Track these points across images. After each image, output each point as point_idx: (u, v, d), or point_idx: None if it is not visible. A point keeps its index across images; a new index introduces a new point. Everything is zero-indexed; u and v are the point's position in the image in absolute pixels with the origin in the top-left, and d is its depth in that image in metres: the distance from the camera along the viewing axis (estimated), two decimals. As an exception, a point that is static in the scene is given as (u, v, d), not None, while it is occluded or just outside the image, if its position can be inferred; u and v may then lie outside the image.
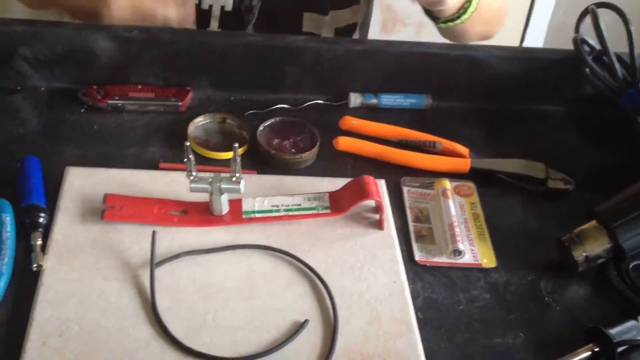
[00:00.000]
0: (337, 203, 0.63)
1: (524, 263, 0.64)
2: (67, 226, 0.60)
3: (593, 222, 0.62)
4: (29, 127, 0.71)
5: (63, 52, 0.73)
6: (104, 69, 0.74)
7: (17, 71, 0.74)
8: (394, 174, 0.71)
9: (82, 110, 0.73)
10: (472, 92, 0.81)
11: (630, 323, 0.56)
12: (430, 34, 0.89)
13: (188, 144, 0.58)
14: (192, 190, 0.60)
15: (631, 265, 0.63)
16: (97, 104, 0.73)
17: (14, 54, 0.73)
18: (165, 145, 0.71)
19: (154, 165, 0.68)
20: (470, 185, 0.71)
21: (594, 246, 0.61)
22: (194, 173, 0.60)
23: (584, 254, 0.61)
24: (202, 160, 0.68)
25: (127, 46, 0.73)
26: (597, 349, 0.55)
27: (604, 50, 0.76)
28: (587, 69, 0.77)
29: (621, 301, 0.61)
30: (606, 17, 0.77)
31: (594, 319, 0.58)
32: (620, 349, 0.55)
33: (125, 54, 0.74)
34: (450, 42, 0.87)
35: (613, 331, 0.55)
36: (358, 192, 0.63)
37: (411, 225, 0.66)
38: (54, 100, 0.74)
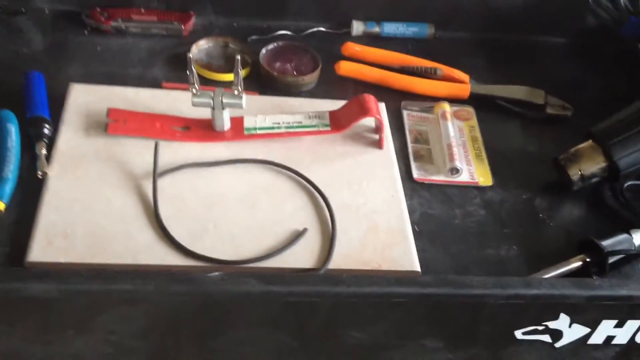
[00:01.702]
0: (338, 121, 0.64)
1: (520, 183, 0.65)
2: (71, 138, 0.61)
3: (589, 142, 0.63)
4: (33, 46, 0.71)
5: (67, -27, 0.74)
6: (109, -9, 0.75)
7: (21, -7, 0.74)
8: (395, 99, 0.72)
9: (86, 32, 0.74)
10: (475, 22, 0.82)
11: (622, 236, 0.58)
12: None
13: (190, 55, 0.59)
14: (194, 104, 0.61)
15: (625, 185, 0.64)
16: (101, 25, 0.74)
17: (18, -26, 0.73)
18: (168, 68, 0.72)
19: (156, 85, 0.69)
20: (469, 110, 0.72)
21: (589, 164, 0.62)
22: (197, 86, 0.60)
23: (580, 172, 0.62)
24: (204, 82, 0.69)
25: (131, -32, 0.74)
26: (588, 259, 0.57)
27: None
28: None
29: (615, 218, 0.63)
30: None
31: (587, 234, 0.59)
32: (611, 260, 0.57)
33: (129, -24, 0.74)
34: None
35: (605, 243, 0.57)
36: (358, 109, 0.63)
37: (410, 146, 0.67)
38: (58, 21, 0.74)
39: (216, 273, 0.46)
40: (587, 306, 0.49)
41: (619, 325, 0.52)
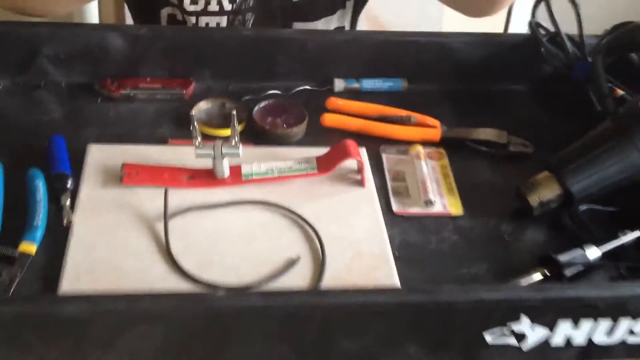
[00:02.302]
0: (324, 164, 0.73)
1: (488, 211, 0.73)
2: (91, 190, 0.70)
3: (545, 172, 0.72)
4: (53, 115, 0.81)
5: (80, 50, 0.84)
6: (117, 64, 0.85)
7: (40, 69, 0.84)
8: (375, 144, 0.81)
9: (99, 100, 0.83)
10: (444, 75, 0.91)
11: (577, 251, 0.66)
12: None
13: (193, 112, 0.68)
14: (198, 156, 0.70)
15: (580, 209, 0.72)
16: (112, 94, 0.83)
17: (38, 53, 0.83)
18: (173, 127, 0.81)
19: (164, 142, 0.78)
20: (441, 150, 0.81)
21: (546, 192, 0.71)
22: (199, 139, 0.70)
23: (538, 199, 0.71)
24: (205, 138, 0.77)
25: (136, 43, 0.84)
26: (548, 273, 0.64)
27: (557, 31, 0.87)
28: (542, 49, 0.87)
29: (571, 239, 0.70)
30: (559, 2, 0.87)
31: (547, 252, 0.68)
32: (569, 274, 0.65)
33: (134, 49, 0.84)
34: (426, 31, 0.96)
35: (560, 256, 0.65)
36: (341, 153, 0.73)
37: (389, 184, 0.76)
38: (73, 92, 0.84)
39: (222, 292, 0.54)
40: (542, 307, 0.57)
41: (575, 325, 0.59)
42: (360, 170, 0.74)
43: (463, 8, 0.92)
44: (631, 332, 0.61)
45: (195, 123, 0.69)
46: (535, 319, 0.58)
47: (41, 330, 0.53)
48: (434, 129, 0.82)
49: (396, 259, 0.67)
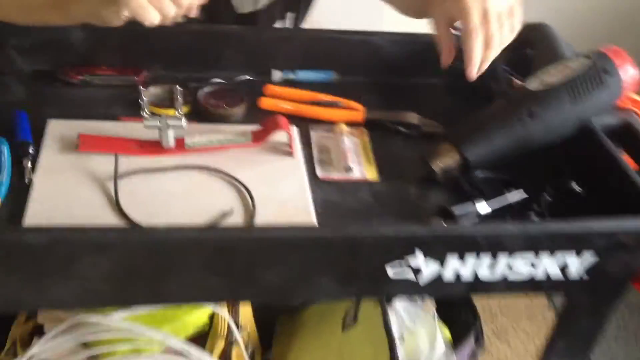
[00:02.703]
0: (257, 136, 0.84)
1: (400, 178, 0.85)
2: (50, 155, 0.79)
3: (446, 142, 0.83)
4: (18, 96, 0.91)
5: (44, 41, 0.94)
6: (76, 53, 0.95)
7: (6, 57, 0.94)
8: (306, 125, 0.92)
9: (59, 85, 0.93)
10: (369, 68, 1.03)
11: (469, 206, 0.77)
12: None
13: (142, 88, 0.79)
14: (146, 126, 0.81)
15: (477, 175, 0.84)
16: (71, 80, 0.93)
17: (6, 44, 0.93)
18: (124, 108, 0.91)
19: (115, 119, 0.88)
20: (362, 129, 0.92)
21: (447, 159, 0.82)
22: (147, 112, 0.80)
23: (440, 166, 0.82)
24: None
25: (94, 35, 0.94)
26: (445, 223, 0.76)
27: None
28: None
29: (468, 198, 0.82)
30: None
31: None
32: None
33: (92, 41, 0.95)
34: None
35: (456, 210, 0.76)
36: (272, 126, 0.84)
37: (315, 155, 0.87)
38: (37, 78, 0.94)
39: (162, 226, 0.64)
40: (432, 242, 0.68)
41: (462, 260, 0.70)
42: (290, 141, 0.85)
43: (404, 10, 1.04)
44: (510, 268, 0.73)
45: (144, 96, 0.79)
46: (427, 253, 0.69)
47: (4, 257, 0.62)
48: (358, 111, 0.94)
49: (318, 214, 0.77)
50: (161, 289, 0.68)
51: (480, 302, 1.77)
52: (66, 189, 0.75)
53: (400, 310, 1.08)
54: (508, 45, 0.96)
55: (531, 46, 0.95)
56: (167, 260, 0.65)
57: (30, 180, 0.75)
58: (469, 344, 1.11)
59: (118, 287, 0.66)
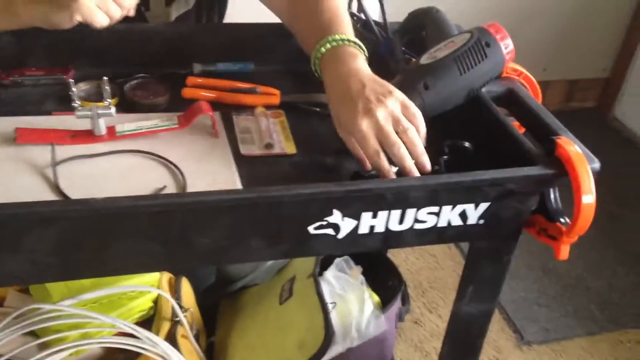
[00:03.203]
0: (183, 120, 0.92)
1: (316, 150, 0.94)
2: (-11, 149, 0.85)
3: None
4: (-49, 98, 0.96)
5: (-28, 45, 0.99)
6: (7, 56, 1.00)
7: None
8: (228, 110, 1.00)
9: (-10, 87, 0.99)
10: (284, 57, 1.12)
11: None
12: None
13: (72, 80, 0.85)
14: (78, 117, 0.87)
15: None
16: (2, 81, 0.99)
17: None
18: (55, 105, 0.97)
19: (48, 114, 0.94)
20: (280, 111, 1.01)
21: (357, 130, 0.92)
22: (78, 102, 0.86)
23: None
24: (85, 111, 0.95)
25: (22, 38, 0.99)
26: (356, 184, 0.85)
27: (367, 19, 1.10)
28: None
29: (378, 163, 0.92)
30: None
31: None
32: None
33: (21, 44, 1.00)
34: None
35: (365, 173, 0.86)
36: (196, 110, 0.91)
37: (238, 136, 0.95)
38: (-34, 81, 0.99)
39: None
40: (347, 200, 0.77)
41: (374, 215, 0.80)
42: (213, 124, 0.93)
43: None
44: (417, 221, 0.83)
45: (74, 89, 0.86)
46: (344, 212, 0.78)
47: (-43, 235, 0.68)
48: (274, 95, 1.03)
49: (244, 186, 0.85)
50: (105, 260, 0.75)
51: (412, 279, 1.90)
52: (8, 177, 0.81)
53: (331, 279, 1.17)
54: (404, 28, 1.07)
55: (424, 29, 1.06)
56: (107, 231, 0.72)
57: (-28, 172, 0.80)
58: (396, 306, 1.21)
59: (65, 260, 0.73)
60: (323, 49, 0.92)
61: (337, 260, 1.18)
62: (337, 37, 0.92)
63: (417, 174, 0.83)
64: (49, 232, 0.70)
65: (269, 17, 1.16)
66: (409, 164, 0.82)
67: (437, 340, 1.69)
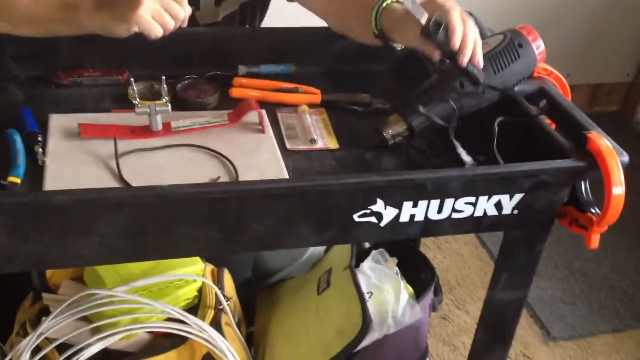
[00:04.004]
0: (233, 117, 0.98)
1: (357, 146, 1.00)
2: (56, 142, 0.92)
3: (395, 113, 0.99)
4: (19, 98, 1.02)
5: (36, 49, 1.05)
6: (66, 59, 1.07)
7: (3, 65, 1.05)
8: (272, 108, 1.06)
9: (52, 87, 1.06)
10: (323, 59, 1.18)
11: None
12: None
13: (132, 79, 0.92)
14: (137, 113, 0.94)
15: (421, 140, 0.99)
16: (63, 81, 1.06)
17: (2, 52, 1.05)
18: (112, 103, 1.04)
19: (107, 112, 1.01)
20: (321, 109, 1.07)
21: (395, 127, 0.97)
22: (138, 100, 0.93)
23: (390, 133, 0.97)
24: (140, 109, 1.01)
25: (80, 41, 1.06)
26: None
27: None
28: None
29: (415, 162, 0.98)
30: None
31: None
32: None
33: (79, 47, 1.07)
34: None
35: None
36: (245, 107, 0.98)
37: (284, 132, 1.01)
38: (32, 82, 1.06)
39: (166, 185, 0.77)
40: (390, 189, 0.83)
41: (415, 205, 0.85)
42: (260, 120, 0.99)
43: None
44: (455, 210, 0.88)
45: (135, 86, 0.92)
46: (387, 201, 0.84)
47: (36, 217, 0.74)
48: (316, 95, 1.09)
49: (290, 176, 0.91)
50: (168, 243, 0.81)
51: (440, 277, 1.95)
52: (75, 168, 0.87)
53: (367, 270, 1.23)
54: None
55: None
56: (171, 215, 0.79)
57: (44, 162, 0.87)
58: (429, 297, 1.26)
59: (132, 243, 0.79)
60: (384, 3, 1.02)
61: (373, 252, 1.24)
62: None
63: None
64: (118, 216, 0.76)
65: (306, 20, 1.22)
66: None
67: (465, 335, 1.74)
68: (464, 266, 1.98)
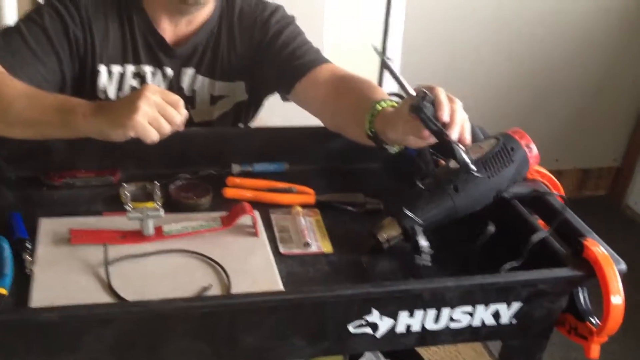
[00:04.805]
0: (226, 220, 0.97)
1: (351, 250, 0.98)
2: (46, 248, 0.90)
3: (389, 217, 0.98)
4: (9, 200, 1.01)
5: (28, 150, 1.05)
6: (58, 159, 1.07)
7: (-4, 167, 1.05)
8: (266, 209, 1.05)
9: (44, 188, 1.05)
10: (317, 157, 1.18)
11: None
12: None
13: (125, 184, 0.91)
14: (129, 218, 0.92)
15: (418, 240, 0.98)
16: (55, 183, 1.05)
17: (-4, 154, 1.04)
18: (105, 205, 1.03)
19: (99, 215, 1.00)
20: (315, 210, 1.06)
21: (390, 231, 0.96)
22: (130, 206, 0.92)
23: (385, 237, 0.96)
24: (132, 211, 1.00)
25: (73, 143, 1.06)
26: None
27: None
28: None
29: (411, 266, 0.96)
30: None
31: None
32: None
33: (71, 149, 1.07)
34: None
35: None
36: (239, 211, 0.97)
37: (277, 234, 1.00)
38: (23, 183, 1.05)
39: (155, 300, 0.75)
40: (386, 300, 0.81)
41: (411, 314, 0.84)
42: (254, 224, 0.98)
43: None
44: (452, 320, 0.86)
45: (127, 192, 0.91)
46: (382, 311, 0.82)
47: (23, 335, 0.72)
48: (310, 195, 1.08)
49: (285, 285, 0.90)
50: (156, 359, 0.78)
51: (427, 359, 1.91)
52: (63, 276, 0.85)
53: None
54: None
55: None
56: (161, 330, 0.76)
57: (31, 271, 0.85)
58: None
59: (120, 358, 0.76)
60: (379, 106, 1.01)
61: (367, 353, 1.21)
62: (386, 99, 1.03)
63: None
64: (107, 332, 0.74)
65: (297, 119, 1.23)
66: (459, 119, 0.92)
67: None
68: (457, 357, 1.94)
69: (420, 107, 0.90)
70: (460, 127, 0.92)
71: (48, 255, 0.89)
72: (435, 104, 0.91)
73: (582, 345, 0.89)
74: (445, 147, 0.93)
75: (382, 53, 1.03)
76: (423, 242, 0.93)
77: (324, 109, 1.15)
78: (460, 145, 0.92)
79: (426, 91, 0.92)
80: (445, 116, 0.91)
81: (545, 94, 2.51)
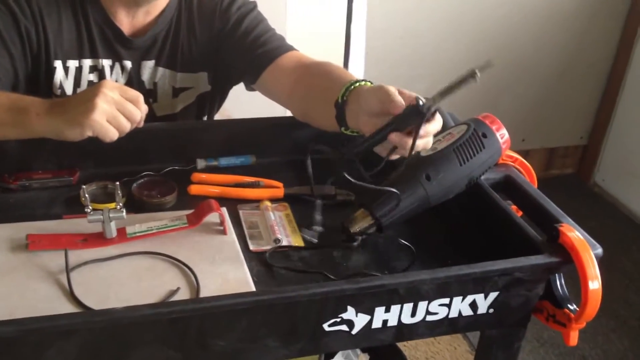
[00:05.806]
0: (192, 219, 0.93)
1: (324, 243, 0.95)
2: (2, 256, 0.85)
3: (361, 209, 0.95)
4: (-41, 206, 0.96)
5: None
6: (13, 161, 1.02)
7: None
8: (233, 205, 1.02)
9: (-1, 192, 1.00)
10: (284, 149, 1.15)
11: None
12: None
13: (84, 186, 0.87)
14: (90, 221, 0.88)
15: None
16: (10, 185, 1.00)
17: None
18: (64, 207, 0.98)
19: (58, 219, 0.95)
20: (285, 204, 1.03)
21: (362, 223, 0.94)
22: (90, 208, 0.88)
23: (357, 229, 0.94)
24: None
25: (28, 142, 1.01)
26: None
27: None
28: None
29: (385, 254, 0.94)
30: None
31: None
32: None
33: (27, 149, 1.02)
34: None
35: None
36: (205, 209, 0.93)
37: (246, 231, 0.96)
38: (-25, 187, 1.00)
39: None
40: (361, 296, 0.79)
41: (387, 310, 0.81)
42: (222, 221, 0.94)
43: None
44: (429, 313, 0.84)
45: (87, 194, 0.87)
46: (358, 308, 0.79)
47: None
48: (278, 188, 1.05)
49: (255, 283, 0.87)
50: (123, 368, 0.75)
51: (410, 355, 1.90)
52: (22, 285, 0.81)
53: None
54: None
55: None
56: (127, 339, 0.73)
57: (-14, 282, 0.81)
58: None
59: (85, 372, 0.73)
60: (359, 83, 0.97)
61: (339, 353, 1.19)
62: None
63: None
64: (70, 344, 0.70)
65: (264, 110, 1.20)
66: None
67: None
68: (433, 342, 1.94)
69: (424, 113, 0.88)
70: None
71: (5, 263, 0.84)
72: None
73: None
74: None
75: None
76: (317, 216, 0.94)
77: (292, 96, 1.12)
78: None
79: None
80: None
81: (511, 75, 2.50)
